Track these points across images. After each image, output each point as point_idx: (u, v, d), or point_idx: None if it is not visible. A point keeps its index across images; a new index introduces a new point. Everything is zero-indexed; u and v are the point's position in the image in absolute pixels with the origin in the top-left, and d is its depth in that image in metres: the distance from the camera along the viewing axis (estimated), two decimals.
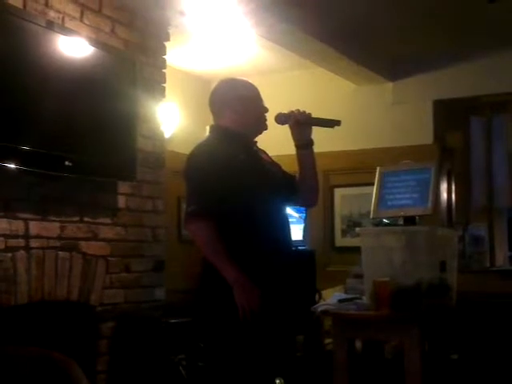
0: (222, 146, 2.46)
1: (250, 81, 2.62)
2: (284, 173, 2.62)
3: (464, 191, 5.25)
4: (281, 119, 2.54)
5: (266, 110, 2.57)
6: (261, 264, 2.37)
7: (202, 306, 2.44)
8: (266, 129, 2.58)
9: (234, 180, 2.38)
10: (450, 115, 5.30)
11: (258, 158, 2.55)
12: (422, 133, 5.16)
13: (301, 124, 2.53)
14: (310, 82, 5.44)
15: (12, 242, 2.82)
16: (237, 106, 2.52)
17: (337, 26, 4.43)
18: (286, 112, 2.55)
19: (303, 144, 2.56)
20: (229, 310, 2.31)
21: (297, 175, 2.59)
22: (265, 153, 2.62)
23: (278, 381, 2.41)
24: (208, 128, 2.62)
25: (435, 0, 4.05)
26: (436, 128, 5.21)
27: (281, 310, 2.44)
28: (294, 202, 2.71)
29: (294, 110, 2.55)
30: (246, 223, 2.39)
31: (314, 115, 2.56)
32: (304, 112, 2.54)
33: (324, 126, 2.57)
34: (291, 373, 2.54)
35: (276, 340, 2.42)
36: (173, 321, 3.18)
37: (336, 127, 2.57)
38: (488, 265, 4.83)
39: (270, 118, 2.57)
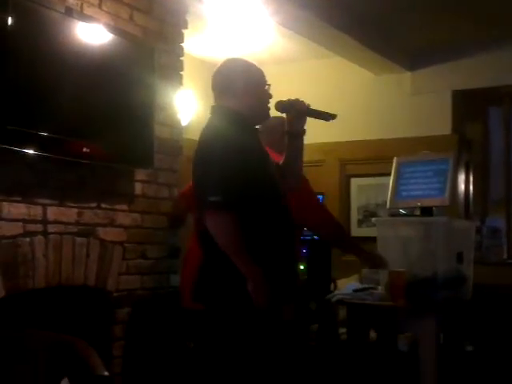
0: (236, 132, 2.38)
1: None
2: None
3: (482, 182, 5.22)
4: (280, 107, 2.51)
5: (270, 97, 2.50)
6: (275, 257, 2.36)
7: (211, 295, 2.41)
8: (268, 117, 2.54)
9: (253, 168, 2.33)
10: (469, 106, 5.26)
11: (260, 142, 2.52)
12: (441, 123, 5.12)
13: (300, 114, 2.51)
14: (329, 71, 5.42)
15: (30, 227, 2.85)
16: (242, 89, 2.43)
17: (355, 15, 4.40)
18: (285, 100, 2.51)
19: (296, 132, 2.53)
20: (235, 301, 2.31)
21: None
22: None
23: None
24: (211, 108, 2.52)
25: None
26: (454, 118, 5.17)
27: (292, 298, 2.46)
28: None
29: (292, 98, 2.51)
30: (263, 213, 2.36)
31: (312, 106, 2.54)
32: (303, 102, 2.51)
33: (320, 119, 2.57)
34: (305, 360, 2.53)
35: (288, 330, 2.44)
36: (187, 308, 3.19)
37: (332, 121, 2.58)
38: (505, 257, 4.80)
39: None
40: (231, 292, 2.33)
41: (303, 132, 2.56)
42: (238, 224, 2.27)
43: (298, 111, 2.50)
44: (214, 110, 2.51)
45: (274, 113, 2.57)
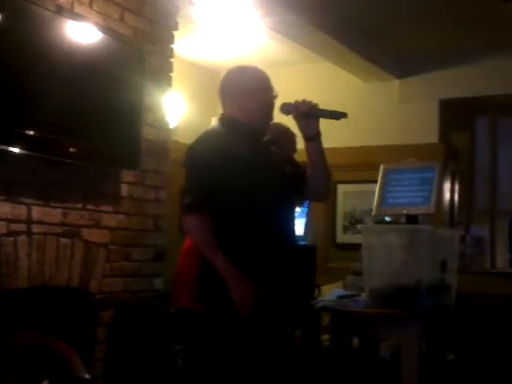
0: (223, 138, 2.41)
1: (260, 69, 2.54)
2: (294, 166, 2.55)
3: (467, 192, 5.26)
4: (285, 109, 2.45)
5: (275, 98, 2.48)
6: (256, 259, 2.35)
7: (201, 300, 2.43)
8: (272, 119, 2.52)
9: (231, 174, 2.32)
10: (456, 115, 5.30)
11: (264, 150, 2.48)
12: (428, 132, 5.15)
13: (305, 115, 2.43)
14: (317, 76, 5.42)
15: (14, 227, 2.82)
16: (238, 97, 2.45)
17: (345, 20, 4.42)
18: (291, 102, 2.45)
19: (309, 136, 2.46)
20: (226, 304, 2.30)
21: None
22: (278, 145, 2.56)
23: None
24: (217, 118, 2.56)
25: None
26: (442, 127, 5.20)
27: (279, 305, 2.41)
28: (303, 196, 2.61)
29: (299, 99, 2.44)
30: (242, 218, 2.35)
31: (321, 106, 2.45)
32: (309, 102, 2.44)
33: (329, 118, 2.46)
34: (290, 367, 2.52)
35: (274, 335, 2.39)
36: (171, 311, 3.18)
37: (343, 119, 2.45)
38: (488, 266, 4.83)
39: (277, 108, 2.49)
40: (217, 294, 2.34)
41: (318, 134, 2.46)
42: (210, 226, 2.31)
43: (302, 113, 2.43)
44: (219, 119, 2.54)
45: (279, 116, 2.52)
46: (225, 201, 2.33)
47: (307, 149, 2.49)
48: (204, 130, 2.50)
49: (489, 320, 3.86)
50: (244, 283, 2.28)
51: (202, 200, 2.32)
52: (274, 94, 2.50)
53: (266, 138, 2.53)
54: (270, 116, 2.50)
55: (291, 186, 2.48)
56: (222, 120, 2.51)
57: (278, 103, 2.50)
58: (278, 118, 2.55)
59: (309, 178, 2.51)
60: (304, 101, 2.44)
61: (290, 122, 2.64)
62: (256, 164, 2.40)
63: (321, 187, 2.56)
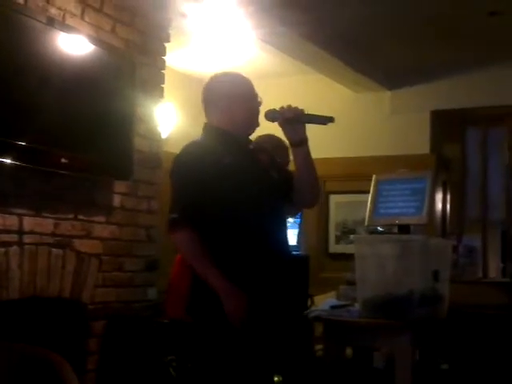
0: (207, 148, 2.37)
1: (244, 75, 2.49)
2: (282, 172, 2.52)
3: (459, 202, 5.28)
4: (270, 116, 2.41)
5: (259, 105, 2.44)
6: (248, 269, 2.32)
7: (194, 314, 2.40)
8: (257, 126, 2.47)
9: (216, 185, 2.29)
10: (448, 126, 5.33)
11: (250, 158, 2.45)
12: (419, 142, 5.19)
13: (291, 121, 2.39)
14: (309, 88, 5.45)
15: (5, 237, 2.81)
16: (222, 105, 2.40)
17: (336, 33, 4.44)
18: (276, 109, 2.41)
19: (296, 142, 2.41)
20: (218, 316, 2.28)
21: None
22: (264, 151, 2.53)
23: (276, 378, 2.38)
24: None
25: (435, 10, 4.07)
26: (433, 138, 5.24)
27: (272, 316, 2.38)
28: (291, 203, 2.55)
29: (284, 105, 2.40)
30: (232, 229, 2.32)
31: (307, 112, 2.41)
32: (295, 108, 2.38)
33: (316, 123, 2.42)
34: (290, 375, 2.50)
35: (267, 346, 2.37)
36: (164, 321, 3.17)
37: (330, 124, 2.43)
38: (480, 276, 4.84)
39: (262, 114, 2.44)
40: (209, 307, 2.32)
41: (304, 140, 2.41)
42: (198, 239, 2.27)
43: (288, 119, 2.38)
44: (203, 128, 2.49)
45: (265, 123, 2.48)
46: (212, 211, 2.30)
47: (294, 155, 2.46)
48: (190, 140, 2.45)
49: (482, 329, 3.87)
50: (237, 296, 2.26)
51: (187, 212, 2.28)
52: (259, 100, 2.46)
53: (252, 146, 2.51)
54: (254, 123, 2.46)
55: (280, 193, 2.45)
56: (206, 129, 2.47)
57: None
58: (263, 125, 2.50)
59: (296, 184, 2.48)
60: (289, 107, 2.40)
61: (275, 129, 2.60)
62: (243, 172, 2.37)
63: (309, 193, 2.53)
